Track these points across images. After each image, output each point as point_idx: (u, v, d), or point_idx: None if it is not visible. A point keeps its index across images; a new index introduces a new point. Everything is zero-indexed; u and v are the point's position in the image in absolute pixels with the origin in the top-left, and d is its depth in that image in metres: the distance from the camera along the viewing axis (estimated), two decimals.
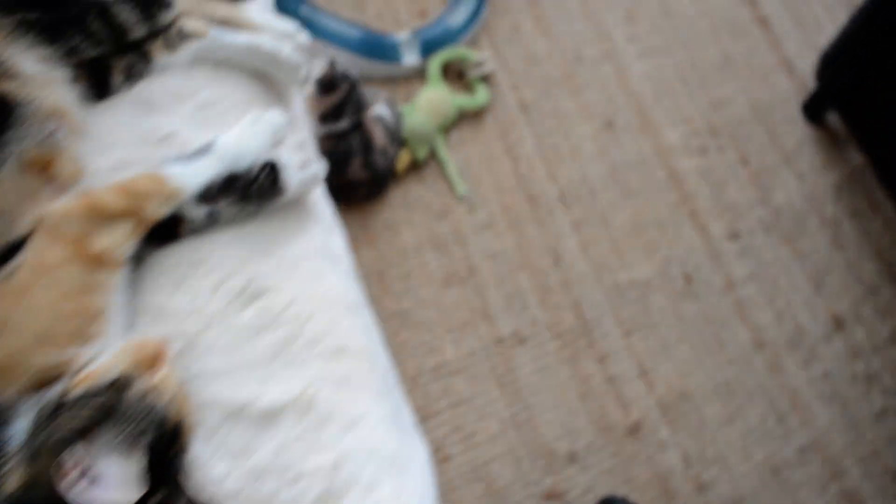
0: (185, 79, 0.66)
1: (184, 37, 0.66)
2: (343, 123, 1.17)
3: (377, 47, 1.33)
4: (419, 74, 1.37)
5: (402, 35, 1.36)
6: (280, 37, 0.69)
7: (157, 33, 0.66)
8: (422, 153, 1.28)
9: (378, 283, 1.21)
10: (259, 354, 0.57)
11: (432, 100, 1.30)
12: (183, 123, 0.64)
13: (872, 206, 1.41)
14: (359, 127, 1.19)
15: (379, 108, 1.23)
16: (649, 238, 1.30)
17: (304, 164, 0.62)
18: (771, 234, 1.34)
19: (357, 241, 1.22)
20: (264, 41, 0.66)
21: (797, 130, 1.45)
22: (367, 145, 1.19)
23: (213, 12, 0.68)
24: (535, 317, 1.22)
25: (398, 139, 1.24)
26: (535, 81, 1.41)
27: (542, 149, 1.35)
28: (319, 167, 0.64)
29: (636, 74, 1.45)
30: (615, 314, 1.23)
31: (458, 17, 1.39)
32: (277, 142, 0.64)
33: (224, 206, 0.60)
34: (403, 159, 1.26)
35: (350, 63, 1.34)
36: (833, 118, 1.46)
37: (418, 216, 1.26)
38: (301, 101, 0.71)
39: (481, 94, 1.35)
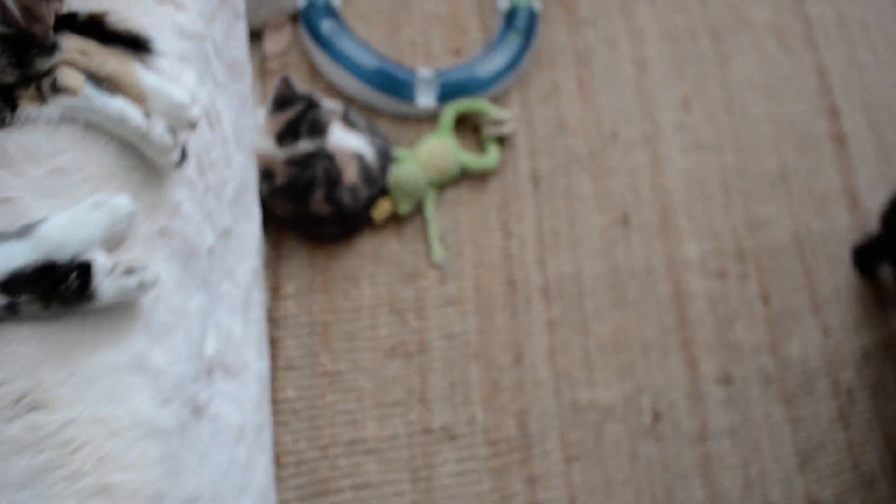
0: (47, 137, 0.59)
1: (56, 90, 0.59)
2: (303, 146, 1.09)
3: (391, 82, 1.24)
4: (433, 119, 1.27)
5: (422, 73, 1.27)
6: (170, 108, 0.61)
7: (29, 81, 0.59)
8: (405, 207, 1.19)
9: (320, 335, 1.14)
10: (8, 479, 0.51)
11: (434, 152, 1.20)
12: (28, 188, 0.58)
13: None
14: (328, 157, 1.11)
15: (360, 145, 1.14)
16: (628, 359, 1.18)
17: (128, 270, 0.55)
18: (769, 388, 1.19)
19: (313, 285, 1.16)
20: (134, 115, 0.59)
21: (839, 275, 1.28)
22: (334, 178, 1.11)
23: (101, 66, 0.61)
24: (475, 415, 1.12)
25: (377, 182, 1.16)
26: (557, 152, 1.29)
27: (542, 230, 1.23)
28: (150, 274, 0.56)
29: (673, 169, 1.31)
30: (563, 435, 1.12)
31: (491, 65, 1.28)
32: (115, 235, 0.57)
33: (25, 302, 0.53)
34: (384, 208, 1.18)
35: (361, 93, 1.26)
36: (886, 272, 1.28)
37: (384, 274, 1.18)
38: (180, 186, 0.64)
39: (492, 156, 1.24)
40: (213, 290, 0.76)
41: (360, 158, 1.14)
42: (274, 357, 1.12)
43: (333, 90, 1.28)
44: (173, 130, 0.61)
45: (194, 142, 0.70)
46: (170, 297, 0.62)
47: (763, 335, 1.22)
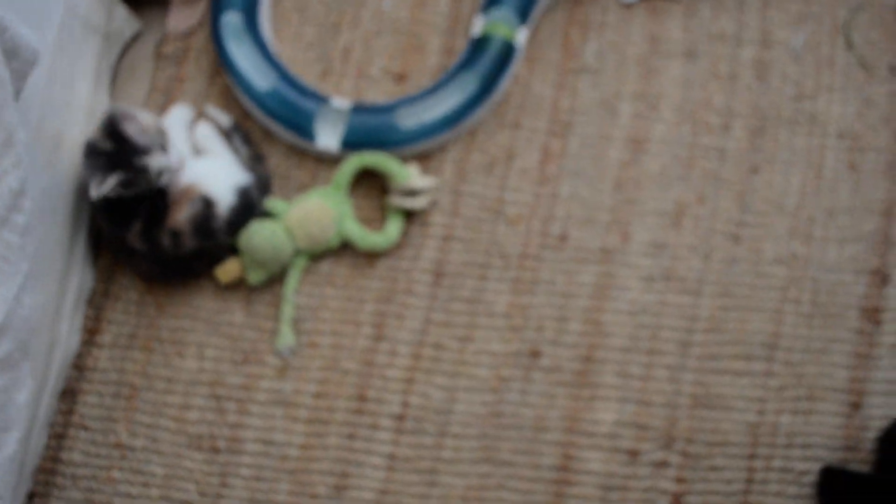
0: None
1: None
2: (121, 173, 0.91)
3: (288, 109, 1.02)
4: (339, 161, 1.04)
5: (334, 103, 1.02)
6: None
7: None
8: (255, 277, 1.00)
9: (125, 400, 1.02)
10: None
11: (311, 215, 0.99)
12: None
13: None
14: (161, 189, 0.92)
15: (215, 187, 0.95)
16: None
17: None
18: None
19: (133, 339, 1.03)
20: None
21: (790, 499, 1.00)
22: (155, 216, 0.93)
23: None
24: None
25: (215, 237, 0.97)
26: (479, 244, 1.04)
27: (423, 342, 1.02)
28: None
29: (623, 302, 1.04)
30: None
31: (423, 114, 1.03)
32: None
33: None
34: (230, 270, 1.00)
35: (256, 111, 1.03)
36: None
37: (217, 347, 1.02)
38: None
39: (388, 234, 1.01)
40: None
41: (203, 204, 0.94)
42: (69, 411, 1.00)
43: (232, 97, 1.06)
44: None
45: None
46: None
47: None
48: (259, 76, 1.01)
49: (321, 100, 1.02)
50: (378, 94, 1.08)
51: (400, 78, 1.08)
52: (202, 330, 1.02)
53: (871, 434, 1.03)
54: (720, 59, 1.11)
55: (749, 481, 1.02)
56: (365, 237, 1.01)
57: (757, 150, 1.09)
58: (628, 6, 1.11)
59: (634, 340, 1.03)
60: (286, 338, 1.00)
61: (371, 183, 1.05)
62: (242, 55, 1.01)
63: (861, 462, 1.03)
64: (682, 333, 1.04)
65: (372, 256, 1.03)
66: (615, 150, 1.07)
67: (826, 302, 1.06)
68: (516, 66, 1.07)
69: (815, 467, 1.02)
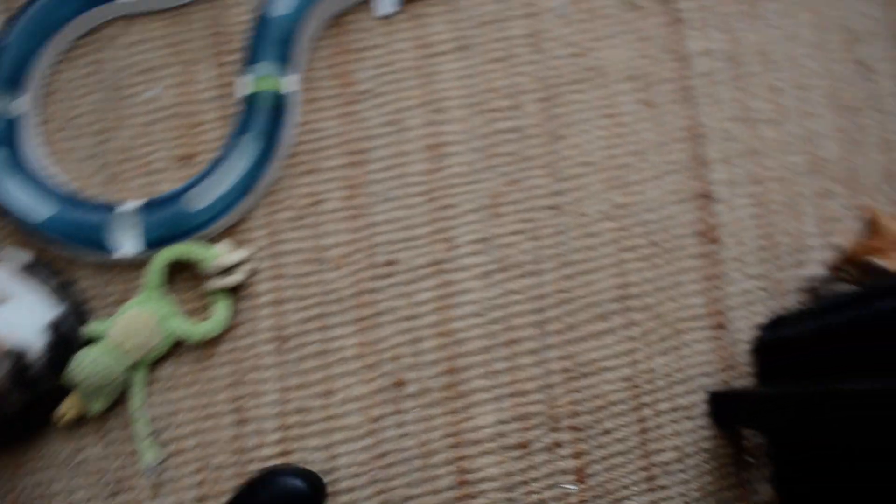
0: None
1: None
2: None
3: (77, 228, 1.00)
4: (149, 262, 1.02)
5: (121, 208, 1.01)
6: None
7: None
8: (96, 406, 0.98)
9: None
10: None
11: (132, 325, 0.97)
12: None
13: None
14: None
15: (20, 336, 0.93)
16: None
17: None
18: None
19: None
20: None
21: (687, 434, 1.02)
22: None
23: None
24: None
25: (44, 382, 0.95)
26: (311, 296, 1.04)
27: (286, 411, 1.02)
28: None
29: (467, 305, 1.05)
30: None
31: (212, 190, 1.02)
32: None
33: None
34: (70, 408, 1.00)
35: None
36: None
37: (84, 487, 0.99)
38: None
39: (216, 318, 1.01)
40: None
41: (12, 359, 0.91)
42: None
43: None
44: None
45: None
46: None
47: None
48: (39, 205, 0.99)
49: (107, 209, 1.00)
50: (172, 184, 1.07)
51: (186, 160, 1.07)
52: (64, 476, 1.00)
53: (744, 347, 1.06)
54: (493, 44, 1.13)
55: (643, 431, 1.03)
56: (195, 330, 1.00)
57: (553, 118, 1.11)
58: (387, 18, 1.12)
59: (491, 338, 1.04)
60: (148, 455, 0.98)
61: (189, 272, 1.04)
62: (15, 189, 0.99)
63: (744, 376, 1.06)
64: (535, 315, 1.05)
65: (210, 345, 1.02)
66: (416, 163, 1.08)
67: (662, 239, 1.08)
68: (295, 114, 1.07)
69: (702, 397, 1.04)
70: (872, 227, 1.07)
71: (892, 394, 0.62)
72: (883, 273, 0.98)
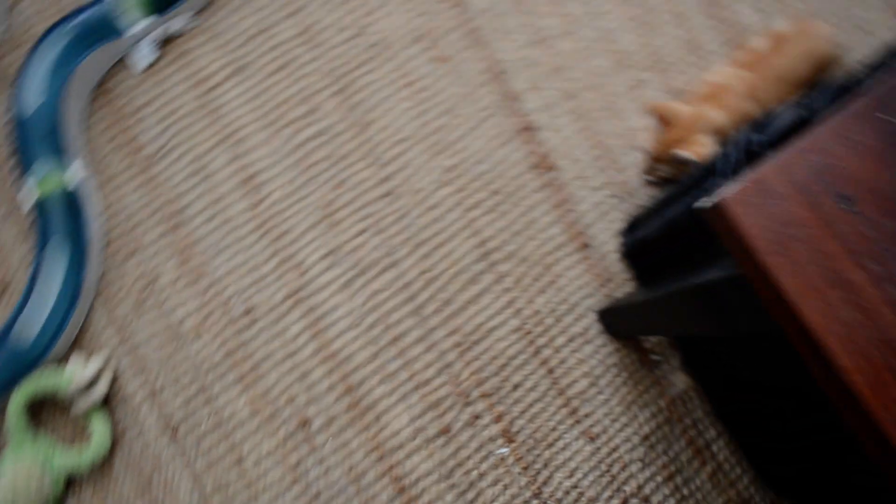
0: None
1: None
2: None
3: None
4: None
5: None
6: None
7: None
8: None
9: None
10: None
11: (17, 481, 0.93)
12: None
13: None
14: None
15: None
16: None
17: None
18: None
19: None
20: None
21: (592, 358, 1.04)
22: None
23: None
24: None
25: None
26: (184, 377, 1.01)
27: (205, 496, 0.99)
28: None
29: (339, 321, 1.04)
30: None
31: (41, 309, 0.94)
32: None
33: None
34: None
35: None
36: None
37: None
38: None
39: (99, 436, 0.97)
40: None
41: None
42: None
43: None
44: None
45: None
46: None
47: (525, 484, 1.00)
48: None
49: None
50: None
51: (3, 290, 1.00)
52: None
53: (614, 257, 1.08)
54: (267, 55, 1.09)
55: (550, 372, 1.05)
56: (82, 460, 0.95)
57: (354, 108, 1.08)
58: (150, 69, 1.06)
59: (374, 343, 1.03)
60: None
61: (53, 402, 0.99)
62: None
63: (624, 283, 1.08)
64: (409, 305, 1.05)
65: (105, 466, 0.98)
66: (236, 204, 1.05)
67: (501, 185, 1.08)
68: (93, 202, 1.01)
69: (592, 318, 1.06)
70: (662, 120, 1.06)
71: (718, 284, 0.64)
72: (688, 163, 0.99)
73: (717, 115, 1.02)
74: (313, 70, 1.10)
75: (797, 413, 0.84)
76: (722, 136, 1.01)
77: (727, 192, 0.55)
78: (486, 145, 1.10)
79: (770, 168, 0.55)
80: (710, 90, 1.06)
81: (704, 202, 0.56)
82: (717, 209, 0.55)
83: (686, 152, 0.98)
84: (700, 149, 0.98)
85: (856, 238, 0.55)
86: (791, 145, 0.57)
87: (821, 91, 0.85)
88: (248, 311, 1.03)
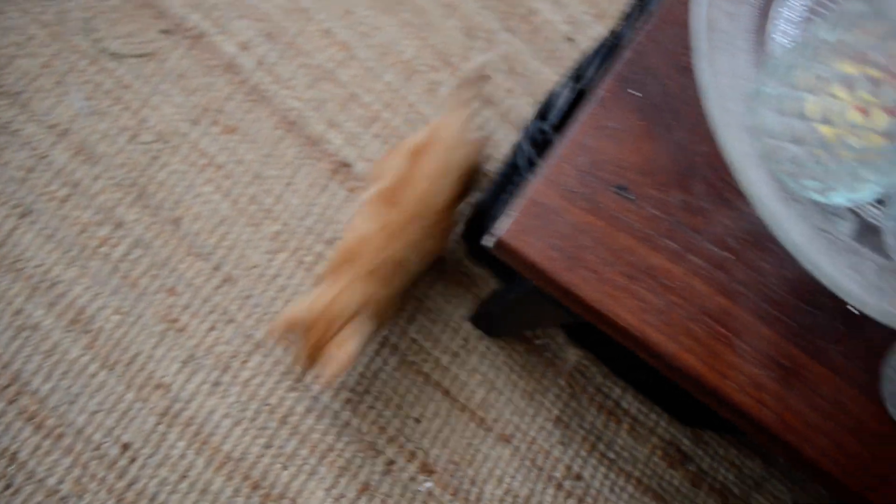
0: None
1: None
2: None
3: None
4: None
5: None
6: None
7: None
8: None
9: None
10: None
11: None
12: None
13: None
14: None
15: None
16: None
17: None
18: None
19: None
20: None
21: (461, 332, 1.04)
22: None
23: None
24: None
25: None
26: None
27: None
28: None
29: (175, 388, 0.99)
30: None
31: None
32: None
33: None
34: None
35: None
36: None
37: None
38: None
39: None
40: None
41: None
42: None
43: None
44: None
45: None
46: None
47: None
48: None
49: None
50: None
51: None
52: None
53: (468, 262, 1.08)
54: (50, 187, 1.04)
55: (446, 393, 1.06)
56: None
57: (157, 209, 1.05)
58: None
59: (264, 431, 1.01)
60: None
61: None
62: None
63: (489, 280, 1.08)
64: (285, 380, 1.03)
65: None
66: (72, 347, 1.00)
67: (334, 232, 1.07)
68: None
69: (468, 328, 1.06)
70: (292, 332, 0.88)
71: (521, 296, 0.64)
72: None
73: (350, 295, 0.86)
74: (103, 186, 1.05)
75: None
76: (398, 268, 0.90)
77: (503, 226, 0.55)
78: (305, 198, 1.08)
79: (540, 184, 0.56)
80: (344, 254, 0.90)
81: (487, 240, 0.55)
82: (500, 245, 0.55)
83: (338, 355, 0.83)
84: (348, 348, 0.84)
85: (643, 223, 0.55)
86: (552, 154, 0.56)
87: (588, 59, 0.87)
88: (124, 449, 0.98)
